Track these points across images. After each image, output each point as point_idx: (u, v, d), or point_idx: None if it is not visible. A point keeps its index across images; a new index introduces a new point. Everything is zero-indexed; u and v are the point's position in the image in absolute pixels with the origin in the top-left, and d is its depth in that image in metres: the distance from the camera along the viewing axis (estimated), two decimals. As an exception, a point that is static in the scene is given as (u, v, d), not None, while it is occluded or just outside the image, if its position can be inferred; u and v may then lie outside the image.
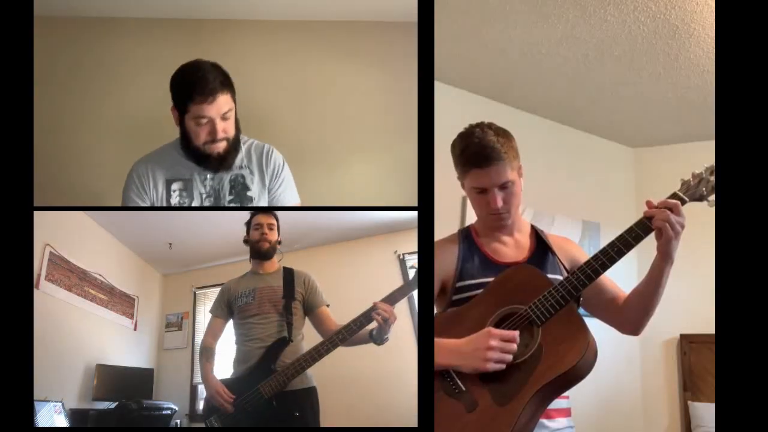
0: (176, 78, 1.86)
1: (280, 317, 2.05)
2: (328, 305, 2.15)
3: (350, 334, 1.88)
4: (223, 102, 1.81)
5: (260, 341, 2.03)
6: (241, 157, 1.94)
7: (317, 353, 1.91)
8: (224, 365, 2.15)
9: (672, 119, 3.74)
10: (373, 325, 1.89)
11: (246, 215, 2.24)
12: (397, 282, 3.42)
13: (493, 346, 1.35)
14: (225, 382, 2.02)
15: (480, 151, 1.51)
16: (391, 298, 1.91)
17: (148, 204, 1.89)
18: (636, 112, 3.67)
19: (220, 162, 1.88)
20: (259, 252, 2.16)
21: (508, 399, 1.34)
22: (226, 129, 1.84)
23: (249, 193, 1.93)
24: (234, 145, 1.89)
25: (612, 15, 2.71)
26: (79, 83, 2.54)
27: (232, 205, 1.94)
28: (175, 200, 1.89)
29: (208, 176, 1.91)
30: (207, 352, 2.13)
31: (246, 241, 2.21)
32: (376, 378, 3.18)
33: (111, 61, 2.56)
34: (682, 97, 3.44)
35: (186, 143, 1.88)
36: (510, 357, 1.36)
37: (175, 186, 1.90)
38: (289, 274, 2.15)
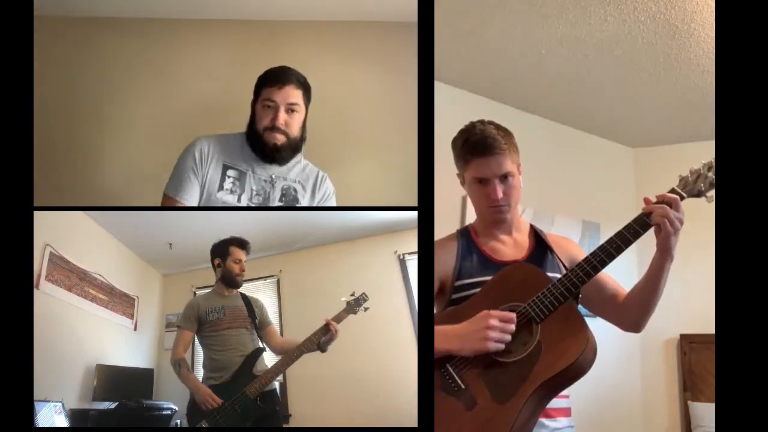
0: (262, 73, 1.97)
1: (248, 331, 2.32)
2: (272, 324, 2.47)
3: (313, 344, 2.20)
4: (291, 92, 1.90)
5: (238, 350, 2.25)
6: (297, 172, 2.01)
7: (290, 359, 2.21)
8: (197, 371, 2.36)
9: (672, 119, 3.74)
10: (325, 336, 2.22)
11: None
12: (398, 282, 3.44)
13: (492, 325, 1.36)
14: (211, 388, 2.17)
15: (482, 141, 1.53)
16: (338, 318, 2.25)
17: (199, 182, 1.91)
18: (636, 112, 3.67)
19: (274, 153, 1.92)
20: (236, 284, 2.41)
21: (507, 397, 1.34)
22: (288, 122, 1.91)
23: (298, 206, 2.00)
24: (292, 145, 1.94)
25: (612, 15, 2.71)
26: (80, 83, 2.54)
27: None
28: (227, 186, 1.93)
29: (263, 177, 1.96)
30: (184, 363, 2.30)
31: (219, 266, 2.40)
32: (376, 378, 3.18)
33: (112, 61, 2.56)
34: (682, 97, 3.44)
35: (250, 127, 1.94)
36: (509, 337, 1.36)
37: (230, 173, 1.94)
38: (245, 298, 2.42)
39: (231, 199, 1.92)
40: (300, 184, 2.00)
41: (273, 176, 1.97)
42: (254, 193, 1.94)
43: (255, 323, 2.34)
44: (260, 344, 2.31)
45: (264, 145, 1.91)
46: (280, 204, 1.96)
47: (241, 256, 2.39)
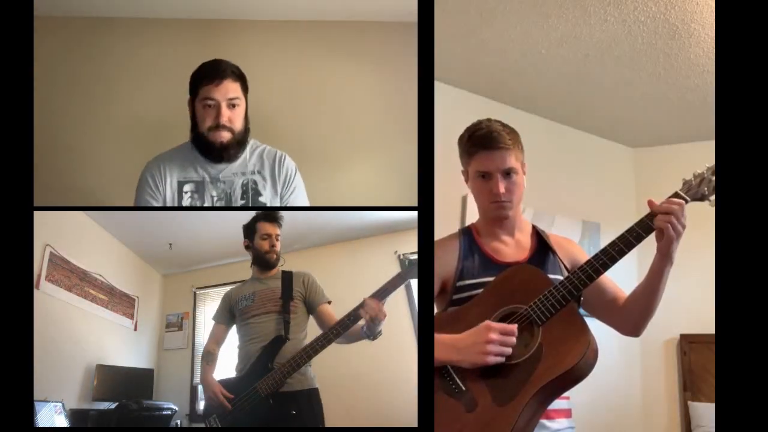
0: (195, 69, 1.93)
1: (278, 316, 2.06)
2: (329, 302, 2.16)
3: (343, 329, 1.89)
4: (230, 87, 1.86)
5: (259, 340, 2.05)
6: (253, 162, 1.96)
7: (312, 350, 1.92)
8: (227, 367, 2.18)
9: (672, 119, 3.74)
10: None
11: (242, 216, 2.23)
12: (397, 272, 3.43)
13: (492, 339, 1.36)
14: (225, 382, 2.05)
15: (487, 135, 1.56)
16: (382, 293, 1.90)
17: (160, 204, 1.90)
18: (636, 112, 3.67)
19: (222, 152, 1.90)
20: (268, 263, 2.18)
21: (508, 399, 1.34)
22: (231, 118, 1.87)
23: (261, 199, 1.94)
24: (239, 140, 1.91)
25: (612, 15, 2.71)
26: (80, 83, 2.54)
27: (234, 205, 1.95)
28: (186, 202, 1.91)
29: (220, 178, 1.93)
30: (209, 356, 2.18)
31: (248, 247, 2.21)
32: (376, 378, 3.18)
33: (111, 61, 2.56)
34: (682, 97, 3.44)
35: (194, 131, 1.91)
36: (509, 350, 1.36)
37: (186, 188, 1.92)
38: (287, 275, 2.17)
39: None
40: (259, 174, 1.96)
41: (232, 174, 1.94)
42: (215, 199, 1.92)
43: (288, 305, 2.07)
44: (282, 332, 2.03)
45: (211, 145, 1.88)
46: (243, 201, 1.93)
47: (269, 230, 2.17)
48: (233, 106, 1.88)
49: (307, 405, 1.99)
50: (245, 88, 1.92)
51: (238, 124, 1.90)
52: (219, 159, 1.92)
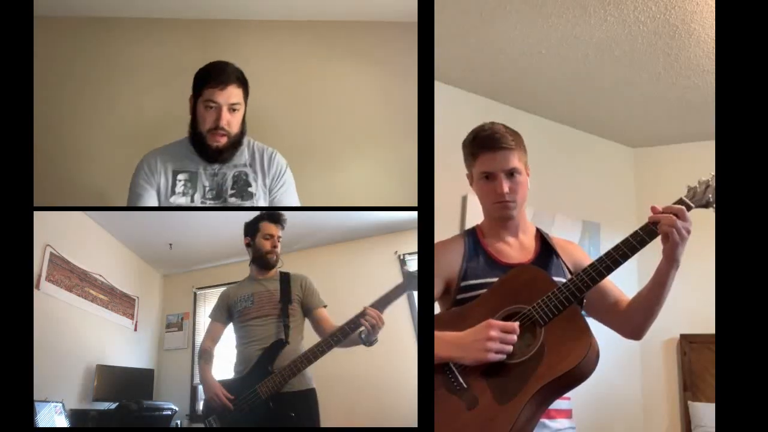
0: (200, 69, 1.99)
1: (278, 320, 2.07)
2: (325, 306, 2.17)
3: (343, 336, 1.92)
4: (233, 93, 1.92)
5: (259, 343, 2.06)
6: (245, 157, 2.02)
7: (312, 355, 1.94)
8: (225, 367, 2.18)
9: (672, 119, 3.74)
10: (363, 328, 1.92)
11: (246, 215, 2.23)
12: (398, 282, 3.43)
13: (493, 336, 1.36)
14: (224, 383, 2.05)
15: (490, 136, 1.58)
16: (381, 303, 1.93)
17: (154, 189, 1.97)
18: (636, 112, 3.67)
19: (218, 154, 1.97)
20: (268, 263, 2.18)
21: (508, 397, 1.34)
22: (230, 122, 1.94)
23: (250, 189, 2.00)
24: (234, 143, 1.98)
25: (612, 15, 2.71)
26: (80, 83, 2.54)
27: (232, 201, 1.99)
28: (179, 189, 1.98)
29: (213, 171, 1.99)
30: (206, 355, 2.19)
31: (249, 245, 2.20)
32: (376, 378, 3.18)
33: (112, 61, 2.56)
34: (682, 97, 3.44)
35: (193, 129, 1.98)
36: (510, 348, 1.37)
37: (181, 176, 1.99)
38: (285, 277, 2.17)
39: (184, 201, 1.96)
40: (250, 167, 2.02)
41: (225, 167, 2.01)
42: (207, 189, 1.98)
43: (287, 309, 2.08)
44: (282, 335, 2.04)
45: (207, 147, 1.95)
46: (233, 192, 1.99)
47: (272, 230, 2.16)
48: (234, 110, 1.94)
49: (305, 406, 2.01)
50: (246, 93, 1.98)
51: (236, 128, 1.97)
52: (213, 160, 1.99)
